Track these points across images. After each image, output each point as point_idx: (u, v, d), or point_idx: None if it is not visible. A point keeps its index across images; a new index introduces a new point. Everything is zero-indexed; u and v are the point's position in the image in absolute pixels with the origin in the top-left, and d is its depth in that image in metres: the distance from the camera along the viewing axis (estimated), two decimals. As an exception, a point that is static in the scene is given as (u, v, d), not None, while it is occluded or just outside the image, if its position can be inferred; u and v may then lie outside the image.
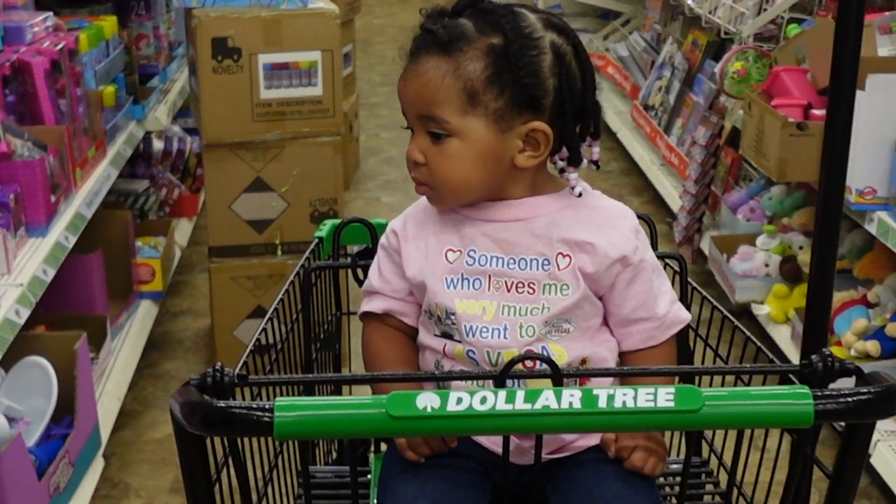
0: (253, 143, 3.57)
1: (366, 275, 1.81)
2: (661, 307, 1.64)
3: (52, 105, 3.14)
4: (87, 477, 2.89)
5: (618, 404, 1.14)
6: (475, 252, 1.60)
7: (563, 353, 1.58)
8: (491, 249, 1.60)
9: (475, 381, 1.56)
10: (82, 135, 3.34)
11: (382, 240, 1.71)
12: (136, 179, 4.51)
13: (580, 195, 1.61)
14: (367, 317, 1.73)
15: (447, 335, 1.62)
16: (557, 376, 1.32)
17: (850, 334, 3.27)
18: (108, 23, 3.83)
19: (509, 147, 1.56)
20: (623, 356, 1.66)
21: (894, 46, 3.34)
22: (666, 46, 5.65)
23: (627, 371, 1.55)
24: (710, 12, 4.38)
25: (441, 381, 1.60)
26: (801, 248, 3.77)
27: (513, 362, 1.33)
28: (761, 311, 3.74)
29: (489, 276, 1.60)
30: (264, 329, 1.73)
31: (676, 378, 1.61)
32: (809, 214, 3.89)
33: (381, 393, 1.18)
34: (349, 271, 2.00)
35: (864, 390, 1.17)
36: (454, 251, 1.62)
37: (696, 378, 1.51)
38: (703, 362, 1.84)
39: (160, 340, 4.05)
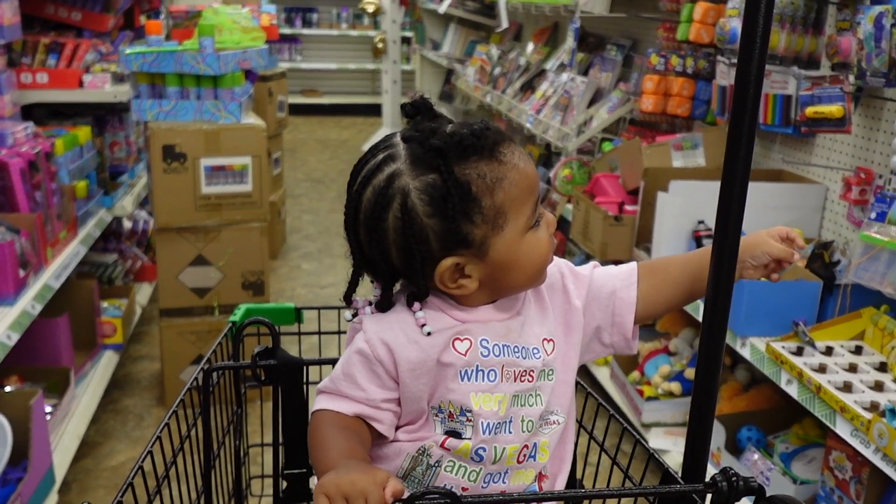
0: (196, 227, 3.20)
1: (268, 376, 1.31)
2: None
3: (27, 197, 2.71)
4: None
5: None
6: (487, 342, 1.07)
7: (546, 453, 1.12)
8: (501, 338, 1.08)
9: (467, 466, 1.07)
10: (55, 220, 2.90)
11: (363, 346, 1.05)
12: (107, 253, 4.04)
13: None
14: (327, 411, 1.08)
15: (453, 433, 1.07)
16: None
17: (657, 377, 3.01)
18: (83, 132, 3.41)
19: None
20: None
21: (685, 160, 3.17)
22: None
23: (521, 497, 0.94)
24: (542, 132, 4.15)
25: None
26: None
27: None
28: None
29: (502, 367, 1.07)
30: (159, 436, 1.15)
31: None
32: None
33: (327, 468, 0.90)
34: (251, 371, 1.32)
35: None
36: (462, 340, 1.06)
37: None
38: (587, 452, 1.33)
39: (122, 381, 3.58)
